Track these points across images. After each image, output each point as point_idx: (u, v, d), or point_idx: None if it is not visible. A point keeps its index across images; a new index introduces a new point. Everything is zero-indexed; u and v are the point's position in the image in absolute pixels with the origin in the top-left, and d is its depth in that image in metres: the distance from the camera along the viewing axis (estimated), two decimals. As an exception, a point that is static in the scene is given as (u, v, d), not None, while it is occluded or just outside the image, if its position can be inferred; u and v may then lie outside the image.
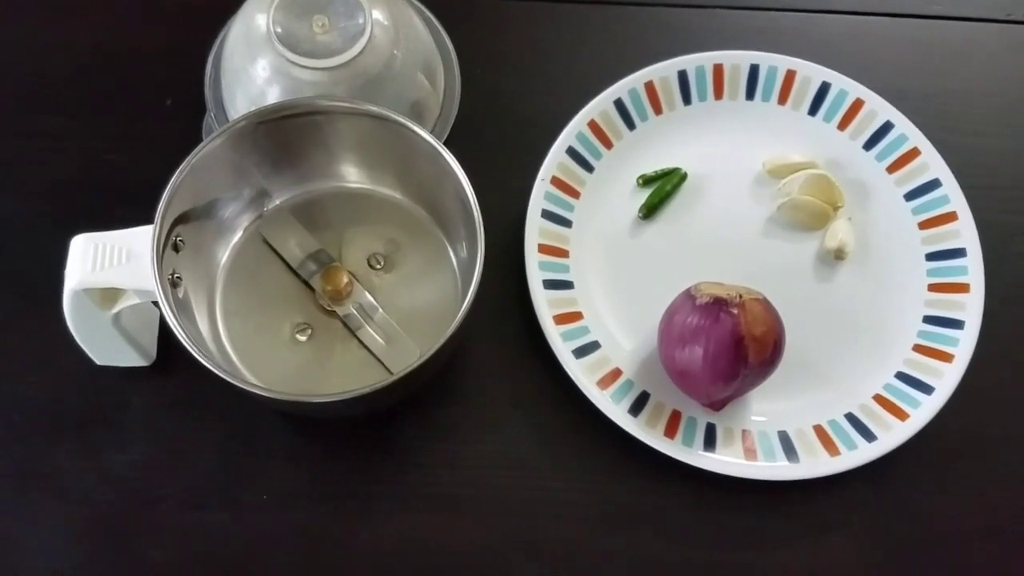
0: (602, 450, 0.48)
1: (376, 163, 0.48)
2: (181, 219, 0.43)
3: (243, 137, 0.44)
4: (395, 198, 0.49)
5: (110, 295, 0.43)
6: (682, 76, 0.54)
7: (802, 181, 0.52)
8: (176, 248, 0.42)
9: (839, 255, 0.51)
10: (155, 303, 0.41)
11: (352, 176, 0.49)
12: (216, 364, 0.39)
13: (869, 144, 0.53)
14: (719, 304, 0.44)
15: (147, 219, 0.42)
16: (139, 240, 0.41)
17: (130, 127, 0.54)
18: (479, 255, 0.41)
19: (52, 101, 0.55)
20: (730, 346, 0.43)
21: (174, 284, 0.42)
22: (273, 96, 0.47)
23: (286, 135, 0.45)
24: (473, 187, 0.43)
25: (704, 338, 0.43)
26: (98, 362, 0.48)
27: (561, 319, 0.49)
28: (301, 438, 0.48)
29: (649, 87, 0.54)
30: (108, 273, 0.40)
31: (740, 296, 0.44)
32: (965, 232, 0.51)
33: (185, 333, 0.39)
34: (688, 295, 0.46)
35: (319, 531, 0.46)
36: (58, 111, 0.55)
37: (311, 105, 0.45)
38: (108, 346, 0.46)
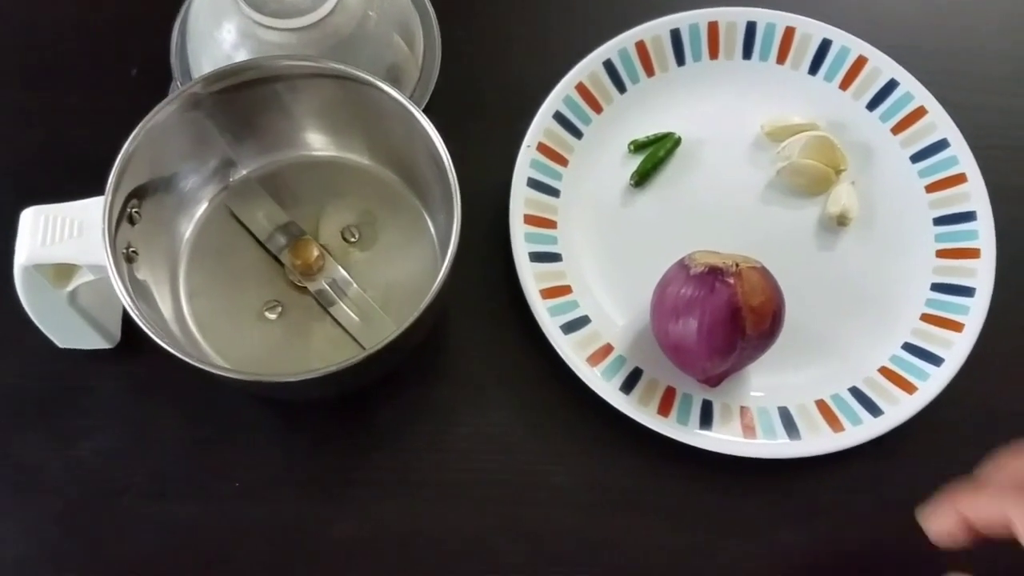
0: (593, 430, 0.46)
1: (344, 129, 0.46)
2: (139, 191, 0.41)
3: (200, 102, 0.41)
4: (367, 166, 0.47)
5: (64, 272, 0.40)
6: (675, 35, 0.51)
7: (803, 144, 0.49)
8: (132, 220, 0.40)
9: (842, 221, 0.49)
10: (111, 279, 0.38)
11: (319, 144, 0.47)
12: (176, 344, 0.37)
13: (873, 104, 0.51)
14: (714, 273, 0.42)
15: (108, 193, 0.39)
16: (92, 212, 0.38)
17: (92, 99, 0.52)
18: (455, 219, 0.39)
19: (9, 73, 0.53)
20: (726, 317, 0.41)
21: (129, 259, 0.40)
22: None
23: (247, 100, 0.43)
24: (455, 156, 0.41)
25: (699, 310, 0.41)
26: (59, 345, 0.45)
27: (548, 293, 0.46)
28: (275, 422, 0.46)
29: (640, 47, 0.51)
30: (59, 248, 0.38)
31: (737, 265, 0.42)
32: (975, 195, 0.48)
33: (140, 311, 0.37)
34: (682, 265, 0.43)
35: (295, 520, 0.44)
36: (16, 83, 0.52)
37: (271, 65, 0.42)
38: (68, 327, 0.44)
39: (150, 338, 0.37)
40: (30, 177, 0.50)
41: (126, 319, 0.46)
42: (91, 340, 0.45)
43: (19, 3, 0.54)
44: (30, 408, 0.46)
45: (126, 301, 0.37)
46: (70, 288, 0.40)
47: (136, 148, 0.39)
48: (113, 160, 0.40)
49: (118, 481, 0.44)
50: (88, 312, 0.43)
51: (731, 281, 0.41)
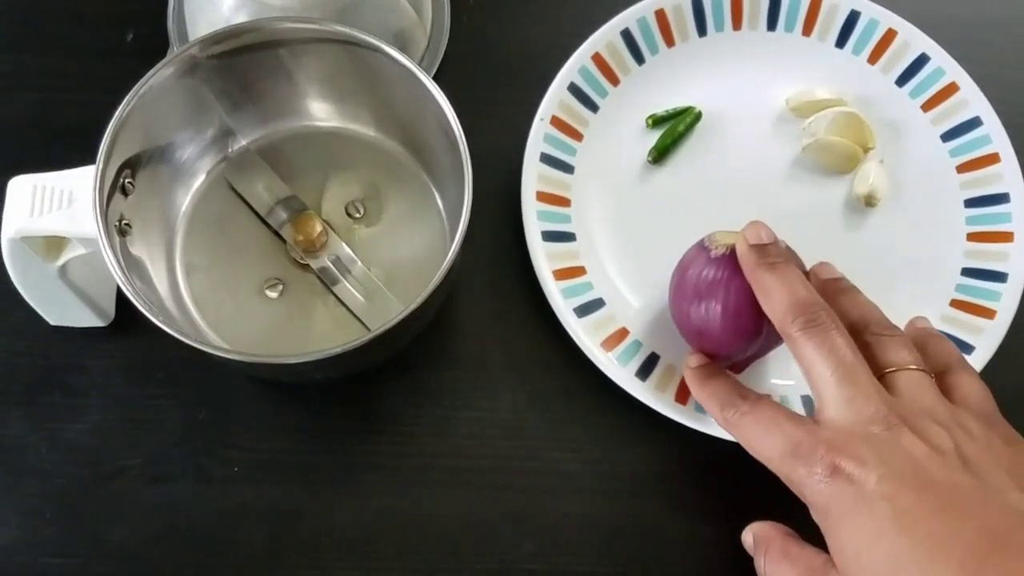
0: (606, 417, 0.44)
1: (348, 98, 0.43)
2: (132, 160, 0.38)
3: (197, 67, 0.39)
4: (372, 137, 0.44)
5: (54, 245, 0.38)
6: (697, 3, 0.49)
7: (830, 120, 0.47)
8: (124, 191, 0.38)
9: (869, 201, 0.47)
10: (104, 253, 0.36)
11: (322, 114, 0.44)
12: (172, 323, 0.35)
13: (902, 79, 0.49)
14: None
15: (100, 163, 0.37)
16: (83, 182, 0.36)
17: (85, 65, 0.49)
18: (467, 194, 0.37)
19: (-2, 36, 0.51)
20: (752, 300, 0.39)
21: (122, 232, 0.38)
22: (239, 25, 0.42)
23: (247, 65, 0.41)
24: (464, 129, 0.39)
25: (723, 292, 0.39)
26: (51, 322, 0.43)
27: (562, 274, 0.45)
28: (275, 405, 0.44)
29: (660, 16, 0.49)
30: (47, 219, 0.36)
31: None
32: (1008, 175, 0.46)
33: (133, 287, 0.35)
34: (701, 247, 0.41)
35: (295, 506, 0.42)
36: (4, 47, 0.50)
37: (272, 27, 0.40)
38: (59, 303, 0.42)
39: (145, 316, 0.35)
40: (14, 146, 0.48)
41: (120, 296, 0.44)
42: (84, 317, 0.43)
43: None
44: (17, 387, 0.44)
45: (118, 275, 0.35)
46: (60, 262, 0.38)
47: (129, 114, 0.37)
48: (104, 129, 0.37)
49: (111, 464, 0.43)
50: (81, 288, 0.41)
51: (755, 262, 0.39)
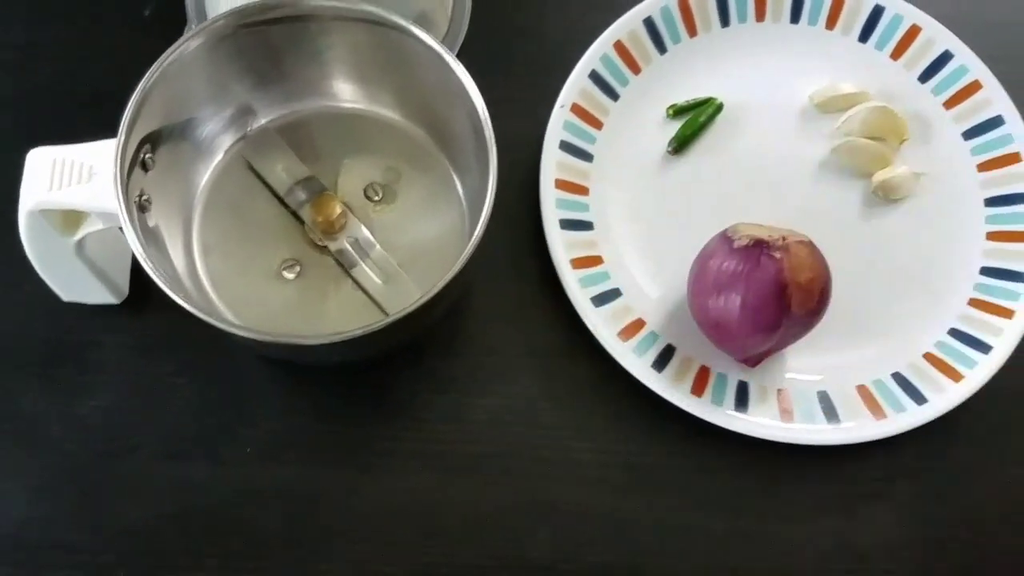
0: (622, 408, 0.44)
1: (373, 79, 0.43)
2: (153, 135, 0.38)
3: (222, 42, 0.38)
4: (394, 120, 0.44)
5: (72, 219, 0.38)
6: (721, -7, 0.49)
7: (862, 118, 0.46)
8: (145, 167, 0.37)
9: (886, 193, 0.47)
10: (121, 229, 0.36)
11: (346, 94, 0.44)
12: (189, 300, 0.34)
13: (925, 76, 0.48)
14: (760, 246, 0.39)
15: (117, 138, 0.37)
16: (104, 155, 0.36)
17: (102, 40, 0.49)
18: (490, 182, 0.36)
19: (14, 9, 0.50)
20: (772, 294, 0.38)
21: (142, 208, 0.37)
22: (261, 2, 0.42)
23: (272, 42, 0.40)
24: (484, 109, 0.38)
25: (743, 285, 0.39)
26: (64, 298, 0.43)
27: (579, 263, 0.44)
28: (290, 387, 0.44)
29: (683, 5, 0.48)
30: (67, 192, 0.35)
31: (783, 238, 0.40)
32: (1030, 175, 0.46)
33: (152, 262, 0.34)
34: (725, 237, 0.41)
35: (308, 489, 0.42)
36: (21, 21, 0.50)
37: (299, 6, 0.39)
38: (74, 279, 0.41)
39: (159, 294, 0.35)
40: (30, 120, 0.47)
41: (135, 273, 0.44)
42: (97, 294, 0.43)
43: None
44: (30, 362, 0.44)
45: (139, 251, 0.34)
46: (77, 237, 0.38)
47: (153, 86, 0.37)
48: (120, 103, 0.37)
49: (124, 441, 0.42)
50: (96, 264, 0.41)
51: (778, 256, 0.39)
